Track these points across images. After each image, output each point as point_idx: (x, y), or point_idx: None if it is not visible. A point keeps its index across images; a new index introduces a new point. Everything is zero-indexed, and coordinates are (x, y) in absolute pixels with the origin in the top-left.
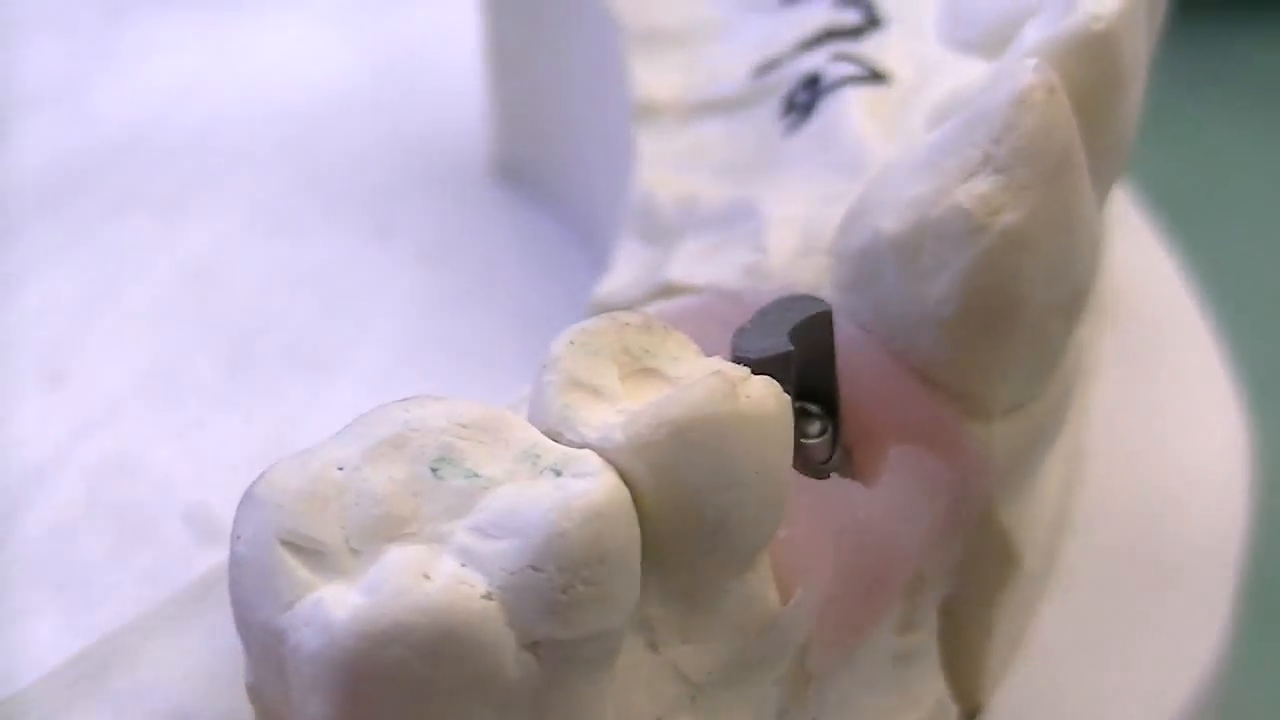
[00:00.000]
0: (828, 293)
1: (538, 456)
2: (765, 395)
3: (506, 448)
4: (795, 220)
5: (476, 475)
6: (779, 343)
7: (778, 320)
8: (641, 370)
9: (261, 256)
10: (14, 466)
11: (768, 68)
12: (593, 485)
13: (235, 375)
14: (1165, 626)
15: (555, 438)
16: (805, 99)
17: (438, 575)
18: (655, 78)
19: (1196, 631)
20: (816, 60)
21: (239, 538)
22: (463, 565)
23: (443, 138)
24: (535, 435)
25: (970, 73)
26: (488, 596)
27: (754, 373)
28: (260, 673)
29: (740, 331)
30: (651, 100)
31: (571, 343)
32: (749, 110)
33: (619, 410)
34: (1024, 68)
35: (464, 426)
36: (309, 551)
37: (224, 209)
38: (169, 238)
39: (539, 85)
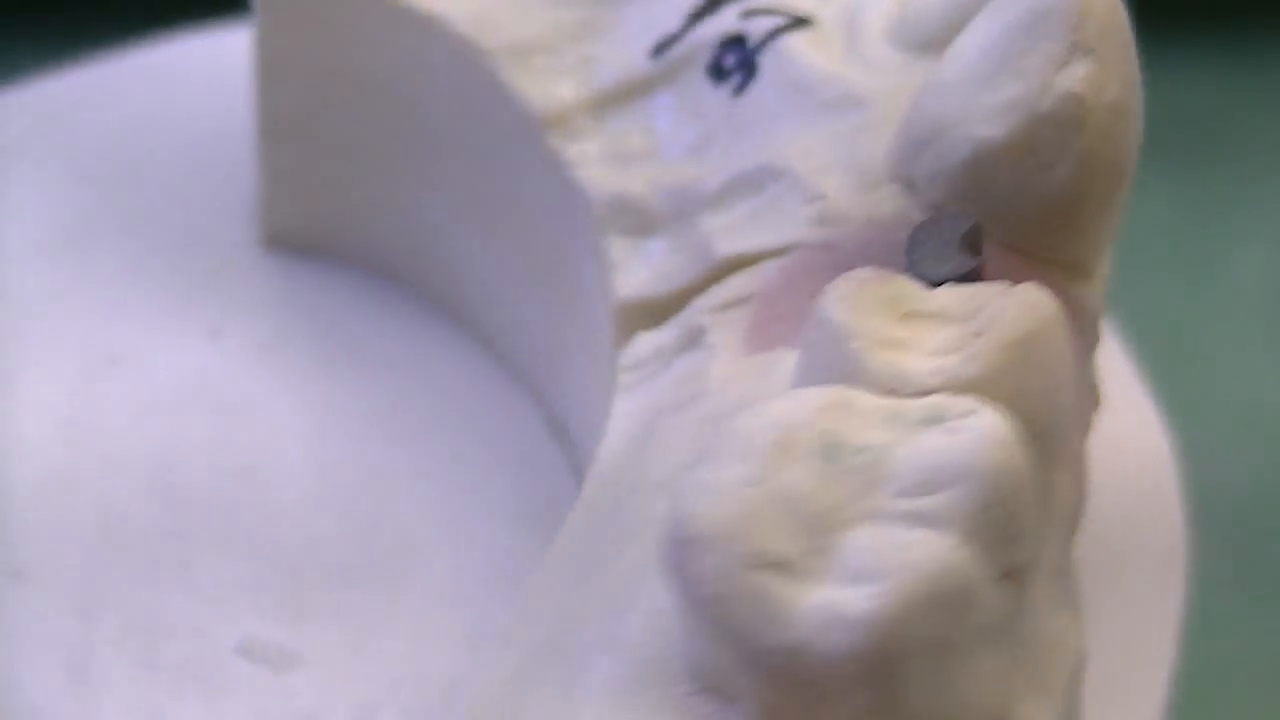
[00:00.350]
0: (916, 216)
1: (900, 414)
2: (1047, 297)
3: (868, 416)
4: (832, 163)
5: (867, 448)
6: (963, 261)
7: (940, 242)
8: (905, 315)
9: (116, 385)
10: (40, 677)
11: (665, 45)
12: (992, 418)
13: (179, 509)
14: (1126, 610)
15: (897, 395)
16: (736, 60)
17: (911, 545)
18: (542, 87)
19: (1157, 615)
20: (724, 24)
21: (703, 581)
22: (915, 529)
23: (217, 214)
24: (881, 399)
25: None
26: (961, 547)
27: None
28: (773, 696)
29: (913, 264)
30: (555, 108)
31: (852, 309)
32: (667, 89)
33: (931, 353)
34: None
35: (823, 410)
36: (778, 567)
37: (48, 354)
38: (6, 403)
39: (331, 145)
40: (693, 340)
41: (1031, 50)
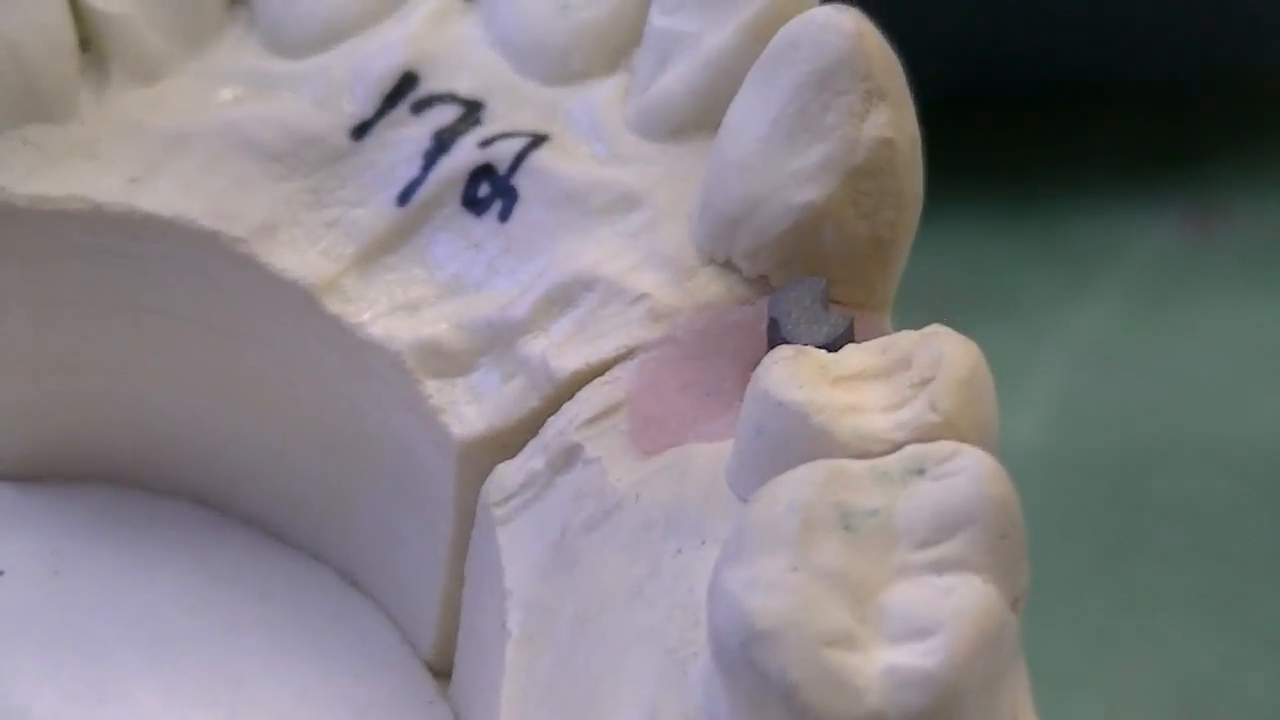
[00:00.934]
0: (741, 292)
1: (885, 473)
2: (958, 334)
3: (859, 481)
4: (639, 261)
5: (876, 511)
6: (838, 320)
7: (802, 308)
8: (835, 380)
9: None
10: None
11: (410, 191)
12: (978, 455)
13: None
14: None
15: (869, 456)
16: (491, 189)
17: (948, 593)
18: (301, 259)
19: None
20: (465, 157)
21: (783, 671)
22: (945, 576)
23: None
24: (864, 463)
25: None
26: (989, 584)
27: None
28: None
29: (789, 334)
30: (322, 276)
31: (801, 386)
32: (428, 232)
33: (883, 409)
34: (826, 20)
35: (826, 485)
36: (844, 641)
37: None
38: None
39: (80, 370)
40: (569, 459)
41: (828, 107)
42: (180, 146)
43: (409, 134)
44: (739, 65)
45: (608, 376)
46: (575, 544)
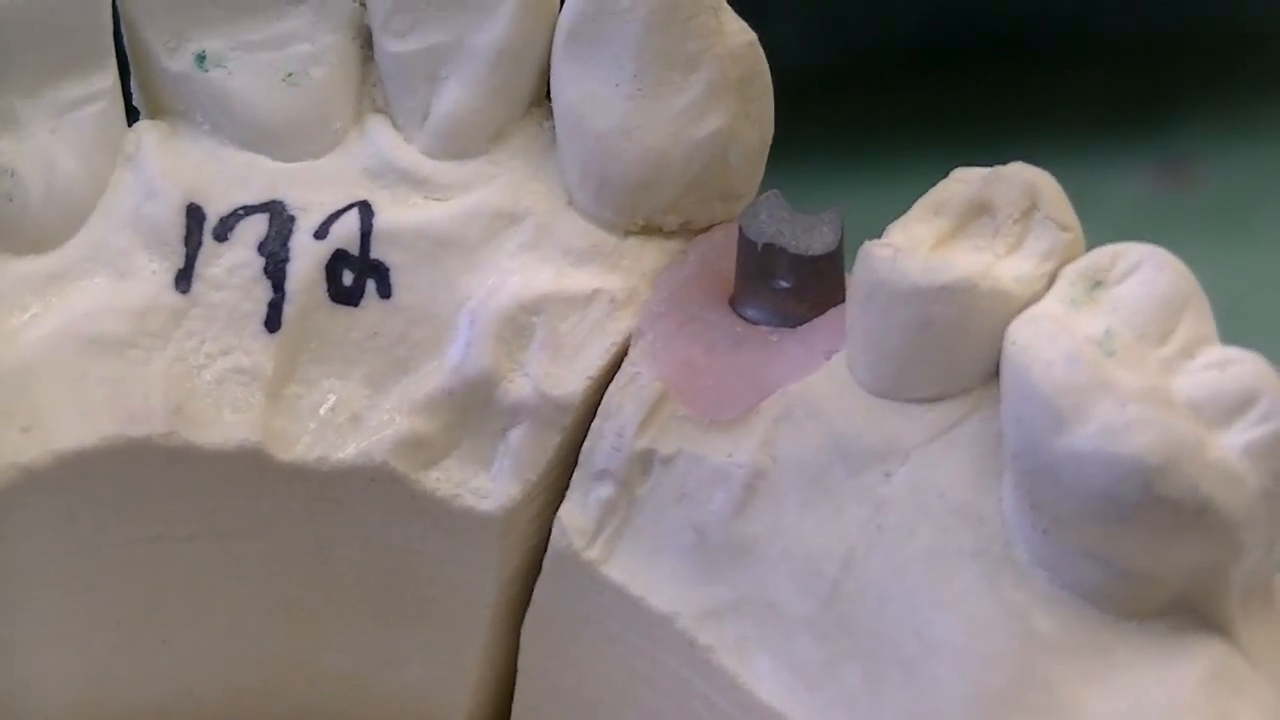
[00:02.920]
0: (679, 247)
1: (1074, 300)
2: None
3: (1068, 317)
4: (565, 266)
5: (1109, 331)
6: (831, 218)
7: (785, 223)
8: (963, 233)
9: None
10: None
11: (273, 318)
12: (1140, 246)
13: None
14: None
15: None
16: (355, 273)
17: (1227, 364)
18: (220, 428)
19: None
20: (309, 257)
21: (1197, 487)
22: (1205, 352)
23: None
24: (1046, 302)
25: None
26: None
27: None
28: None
29: (798, 248)
30: (256, 434)
31: (949, 266)
32: (315, 345)
33: (1007, 255)
34: None
35: (1060, 331)
36: (1204, 443)
37: None
38: None
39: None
40: (644, 468)
41: (686, 36)
42: (32, 379)
43: (230, 262)
44: (529, 50)
45: (622, 379)
46: (727, 534)
